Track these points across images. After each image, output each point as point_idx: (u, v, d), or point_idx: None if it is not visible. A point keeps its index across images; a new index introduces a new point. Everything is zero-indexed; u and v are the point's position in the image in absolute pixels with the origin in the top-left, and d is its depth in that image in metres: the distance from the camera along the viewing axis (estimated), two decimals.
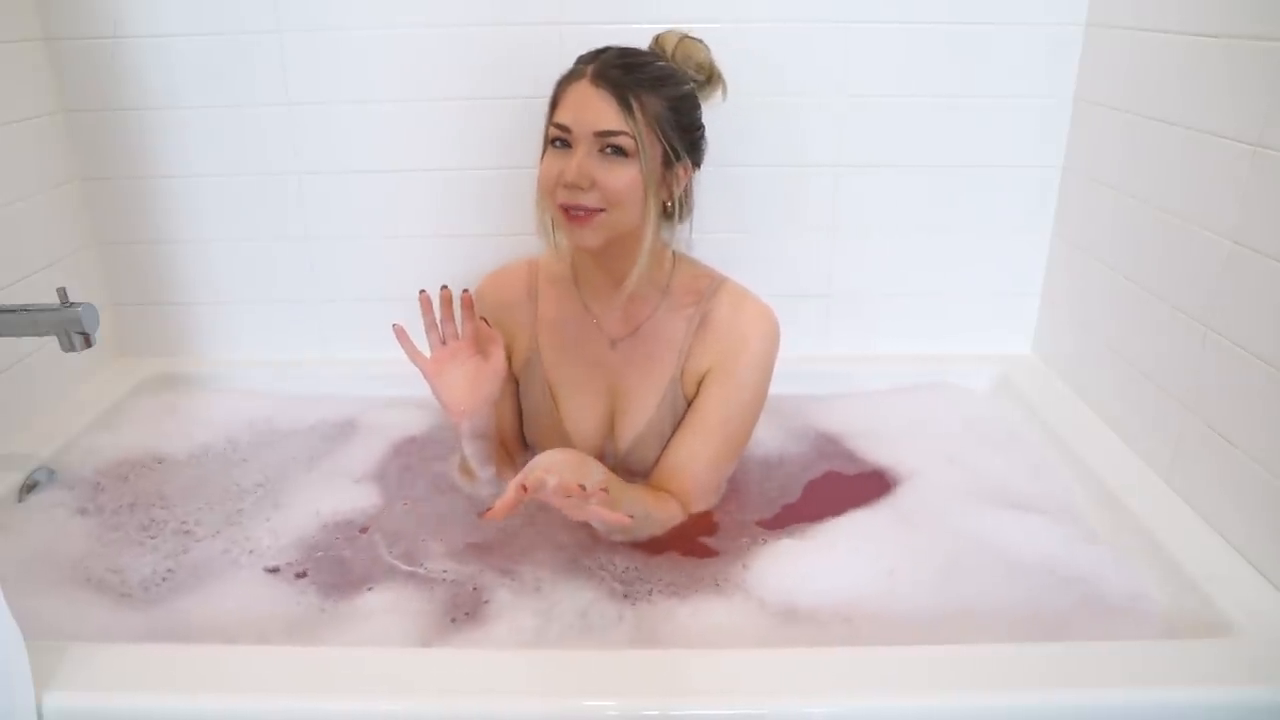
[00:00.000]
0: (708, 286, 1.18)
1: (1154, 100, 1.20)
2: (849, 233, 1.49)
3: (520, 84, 1.38)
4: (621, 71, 1.04)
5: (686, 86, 1.10)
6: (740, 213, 1.47)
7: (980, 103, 1.42)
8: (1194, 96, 1.12)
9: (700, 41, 1.13)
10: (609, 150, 1.03)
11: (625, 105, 1.03)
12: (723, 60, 1.36)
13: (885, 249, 1.51)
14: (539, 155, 1.09)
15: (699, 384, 1.17)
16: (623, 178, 1.04)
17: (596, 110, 1.03)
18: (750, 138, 1.42)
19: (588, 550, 1.11)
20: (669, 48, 1.12)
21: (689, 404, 1.18)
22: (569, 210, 1.05)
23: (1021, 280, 1.54)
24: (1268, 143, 0.99)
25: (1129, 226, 1.26)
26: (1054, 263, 1.50)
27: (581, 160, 1.03)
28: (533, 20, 1.35)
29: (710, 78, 1.14)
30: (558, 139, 1.05)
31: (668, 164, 1.07)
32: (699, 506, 1.15)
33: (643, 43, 1.13)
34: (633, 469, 1.21)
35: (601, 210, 1.04)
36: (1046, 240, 1.51)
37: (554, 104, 1.07)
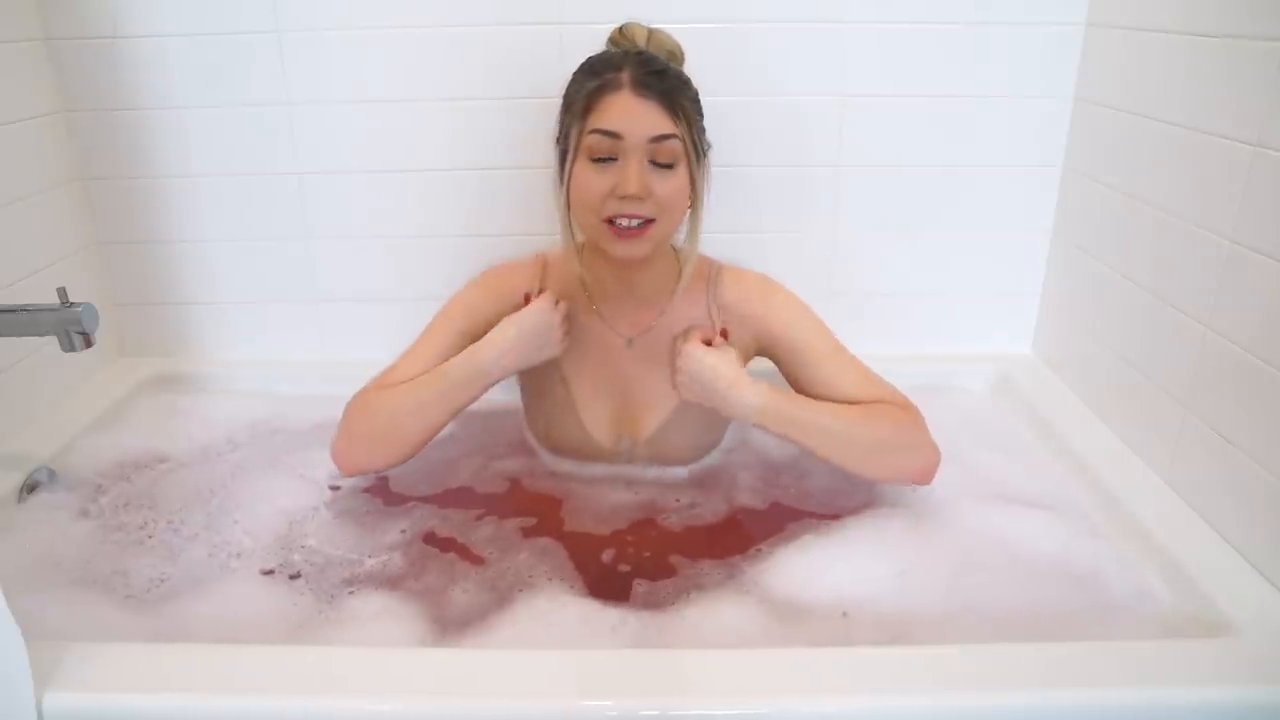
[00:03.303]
0: (708, 271, 1.21)
1: (1154, 100, 1.20)
2: (849, 233, 1.49)
3: (520, 84, 1.38)
4: (658, 79, 1.05)
5: (694, 85, 1.10)
6: (740, 213, 1.47)
7: (980, 103, 1.41)
8: (1194, 96, 1.12)
9: (662, 31, 1.13)
10: (658, 161, 1.04)
11: (673, 111, 1.04)
12: (723, 60, 1.37)
13: (885, 249, 1.51)
14: (560, 165, 1.09)
15: (746, 360, 1.19)
16: (674, 185, 1.06)
17: (650, 118, 1.03)
18: (750, 138, 1.42)
19: (587, 550, 1.11)
20: (641, 40, 1.11)
21: None
22: (618, 224, 1.05)
23: (1021, 280, 1.53)
24: (1268, 143, 0.99)
25: (1129, 226, 1.26)
26: (1054, 263, 1.50)
27: (639, 170, 1.03)
28: (533, 20, 1.35)
29: (683, 64, 1.14)
30: (602, 150, 1.04)
31: (699, 164, 1.09)
32: (902, 399, 1.17)
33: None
34: (655, 455, 1.22)
35: (652, 221, 1.05)
36: (1046, 240, 1.51)
37: (585, 114, 1.05)
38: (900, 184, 1.46)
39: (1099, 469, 1.21)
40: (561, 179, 1.09)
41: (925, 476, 1.14)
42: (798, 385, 1.19)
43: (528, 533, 1.14)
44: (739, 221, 1.47)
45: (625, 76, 1.04)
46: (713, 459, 1.27)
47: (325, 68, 1.39)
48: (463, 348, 1.19)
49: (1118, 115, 1.29)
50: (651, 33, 1.11)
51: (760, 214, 1.48)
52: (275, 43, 1.37)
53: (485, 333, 1.20)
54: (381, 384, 1.17)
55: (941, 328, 1.56)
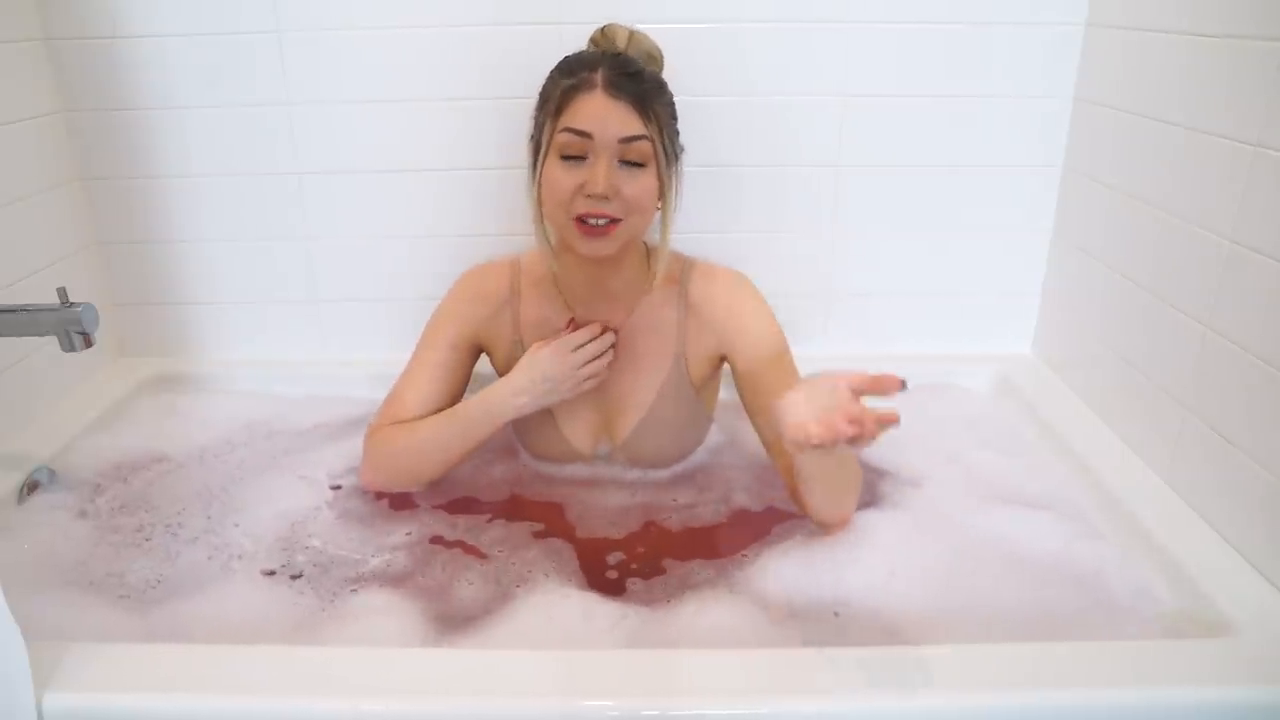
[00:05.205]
0: (680, 270, 1.20)
1: (1154, 100, 1.20)
2: (849, 233, 1.49)
3: (519, 84, 1.36)
4: (632, 81, 1.05)
5: (669, 89, 1.11)
6: (740, 213, 1.47)
7: (980, 103, 1.41)
8: (1194, 96, 1.12)
9: (643, 33, 1.13)
10: (627, 160, 1.05)
11: (645, 113, 1.05)
12: (723, 60, 1.37)
13: (885, 249, 1.51)
14: (532, 162, 1.09)
15: (714, 364, 1.21)
16: (642, 186, 1.06)
17: (620, 118, 1.03)
18: (750, 138, 1.42)
19: (587, 550, 1.11)
20: (621, 42, 1.11)
21: (695, 387, 1.20)
22: (587, 223, 1.05)
23: (1021, 280, 1.53)
24: (1268, 143, 0.99)
25: (1129, 226, 1.26)
26: (1054, 263, 1.50)
27: (607, 169, 1.03)
28: (531, 20, 1.35)
29: (662, 68, 1.14)
30: (572, 148, 1.04)
31: (669, 167, 1.09)
32: None
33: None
34: (634, 458, 1.23)
35: (619, 220, 1.06)
36: (1046, 240, 1.51)
37: (557, 112, 1.05)
38: (900, 184, 1.46)
39: (1099, 469, 1.20)
40: (533, 176, 1.09)
41: (841, 526, 1.10)
42: (745, 402, 1.19)
43: (537, 535, 1.14)
44: (739, 221, 1.47)
45: (599, 77, 1.04)
46: (698, 459, 1.27)
47: (325, 68, 1.39)
48: (457, 361, 1.20)
49: (1118, 115, 1.29)
50: (632, 34, 1.12)
51: (760, 214, 1.47)
52: (275, 43, 1.37)
53: (474, 340, 1.21)
54: (393, 415, 1.18)
55: (941, 328, 1.56)
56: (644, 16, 1.31)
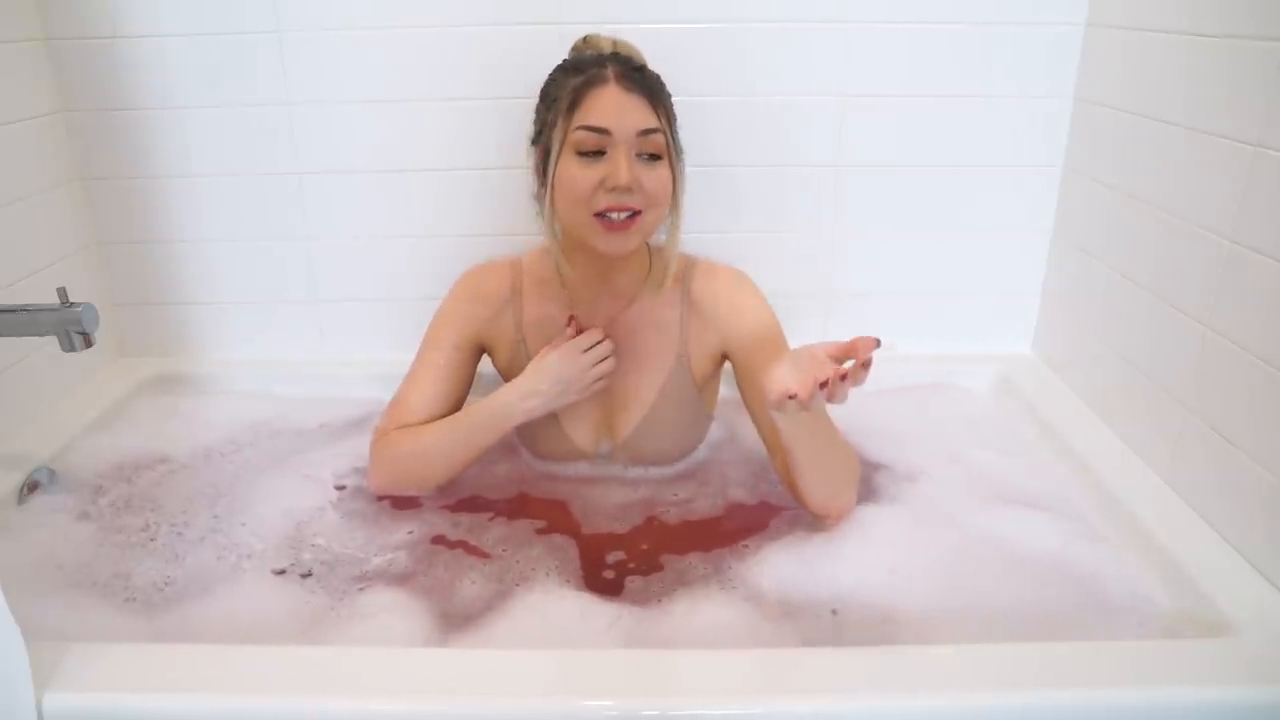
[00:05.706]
0: (682, 269, 1.21)
1: (1154, 100, 1.20)
2: (849, 233, 1.49)
3: (520, 84, 1.36)
4: (640, 74, 1.06)
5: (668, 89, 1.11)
6: (740, 213, 1.47)
7: (980, 103, 1.41)
8: (1194, 96, 1.12)
9: (625, 41, 1.13)
10: (644, 153, 1.05)
11: (656, 106, 1.06)
12: (724, 60, 1.37)
13: (885, 249, 1.51)
14: (542, 163, 1.09)
15: (716, 362, 1.21)
16: (660, 178, 1.07)
17: (636, 110, 1.04)
18: (750, 138, 1.42)
19: (590, 546, 1.11)
20: (606, 49, 1.11)
21: (697, 385, 1.20)
22: (608, 218, 1.05)
23: (1021, 280, 1.54)
24: (1268, 143, 0.99)
25: (1129, 226, 1.26)
26: (1054, 263, 1.50)
27: (629, 162, 1.04)
28: (530, 20, 1.35)
29: None
30: (589, 144, 1.04)
31: (679, 161, 1.10)
32: None
33: (645, 44, 1.14)
34: (635, 457, 1.23)
35: (639, 213, 1.06)
36: (1046, 240, 1.51)
37: (570, 110, 1.05)
38: (900, 184, 1.46)
39: (1099, 469, 1.20)
40: (545, 179, 1.09)
41: (839, 518, 1.11)
42: (745, 398, 1.19)
43: (540, 533, 1.14)
44: (739, 221, 1.47)
45: (609, 72, 1.05)
46: (699, 455, 1.27)
47: (325, 68, 1.39)
48: (460, 361, 1.20)
49: (1118, 115, 1.29)
50: (615, 42, 1.12)
51: (760, 214, 1.47)
52: (275, 43, 1.37)
53: (477, 340, 1.21)
54: (398, 419, 1.18)
55: (941, 328, 1.56)
56: (644, 16, 1.31)
